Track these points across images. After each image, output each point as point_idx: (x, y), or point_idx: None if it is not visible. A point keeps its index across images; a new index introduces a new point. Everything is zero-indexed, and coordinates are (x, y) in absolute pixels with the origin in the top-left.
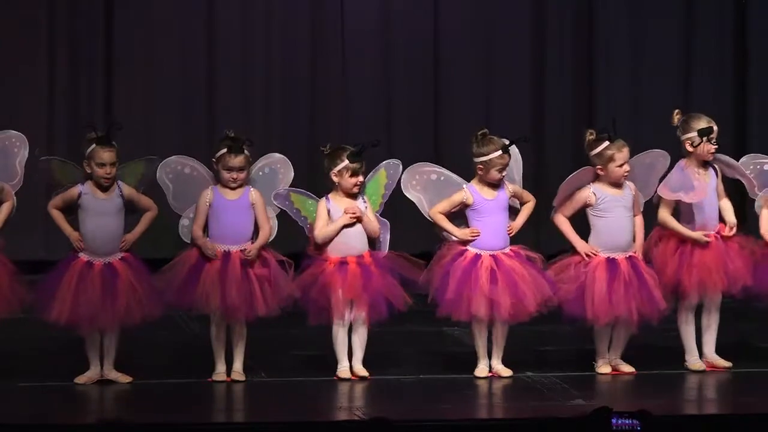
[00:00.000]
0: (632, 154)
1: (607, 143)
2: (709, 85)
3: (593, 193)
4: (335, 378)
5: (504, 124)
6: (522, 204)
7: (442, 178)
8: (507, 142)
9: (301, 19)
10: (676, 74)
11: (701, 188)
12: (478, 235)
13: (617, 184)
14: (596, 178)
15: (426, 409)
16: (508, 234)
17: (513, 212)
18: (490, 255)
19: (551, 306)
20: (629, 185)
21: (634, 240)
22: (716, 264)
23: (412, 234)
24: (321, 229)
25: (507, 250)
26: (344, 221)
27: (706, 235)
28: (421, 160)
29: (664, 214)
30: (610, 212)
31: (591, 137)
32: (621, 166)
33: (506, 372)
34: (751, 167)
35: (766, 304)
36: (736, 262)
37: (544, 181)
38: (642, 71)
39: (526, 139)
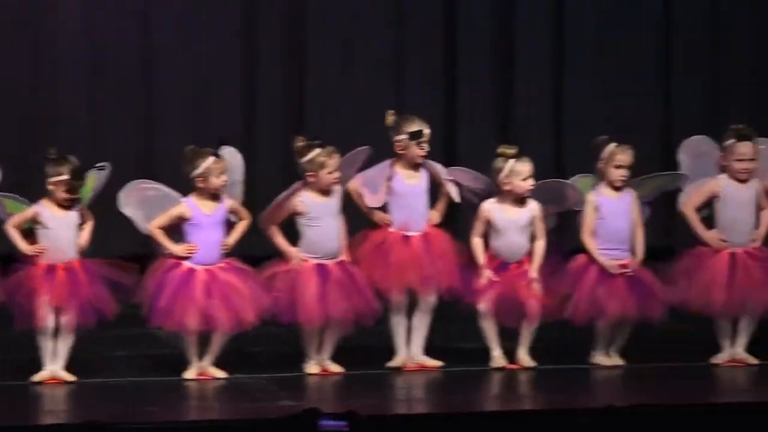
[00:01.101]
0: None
1: (318, 150)
2: (420, 86)
3: (303, 202)
4: (38, 382)
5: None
6: (239, 220)
7: (159, 193)
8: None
9: None
10: (387, 74)
11: (382, 195)
12: (195, 252)
13: (326, 191)
14: (306, 185)
15: (136, 411)
16: (223, 250)
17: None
18: (204, 269)
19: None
20: (338, 189)
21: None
22: (412, 263)
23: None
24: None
25: (221, 264)
26: None
27: (387, 220)
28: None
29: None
30: (319, 220)
31: (301, 144)
32: (332, 172)
33: (220, 374)
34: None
35: (467, 305)
36: (437, 262)
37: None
38: (353, 71)
39: (235, 139)
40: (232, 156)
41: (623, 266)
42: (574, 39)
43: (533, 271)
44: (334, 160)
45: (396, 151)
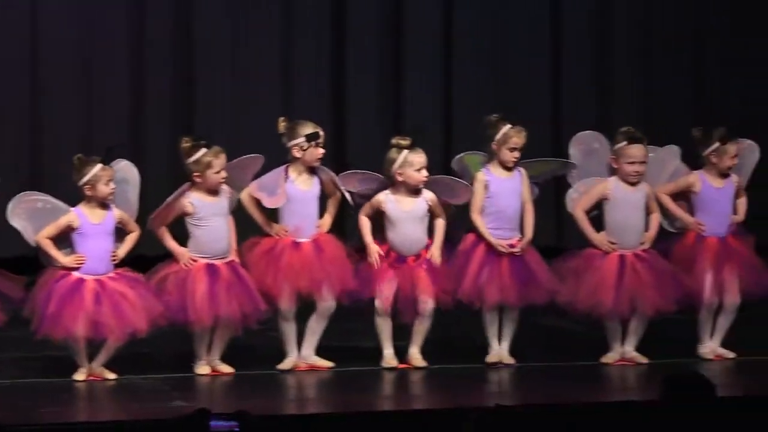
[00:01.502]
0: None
1: (204, 150)
2: (309, 91)
3: (191, 203)
4: None
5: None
6: (128, 233)
7: (48, 205)
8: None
9: None
10: (278, 79)
11: (281, 197)
12: (83, 263)
13: (214, 191)
14: (193, 186)
15: (26, 413)
16: (112, 261)
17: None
18: (94, 279)
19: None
20: (226, 189)
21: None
22: (303, 268)
23: None
24: None
25: (111, 274)
26: None
27: (284, 232)
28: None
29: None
30: (208, 220)
31: (187, 145)
32: (218, 172)
33: (110, 375)
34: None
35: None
36: (328, 268)
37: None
38: (243, 75)
39: (124, 146)
40: (127, 169)
41: (511, 246)
42: (462, 28)
43: (435, 248)
44: (220, 160)
45: (293, 155)
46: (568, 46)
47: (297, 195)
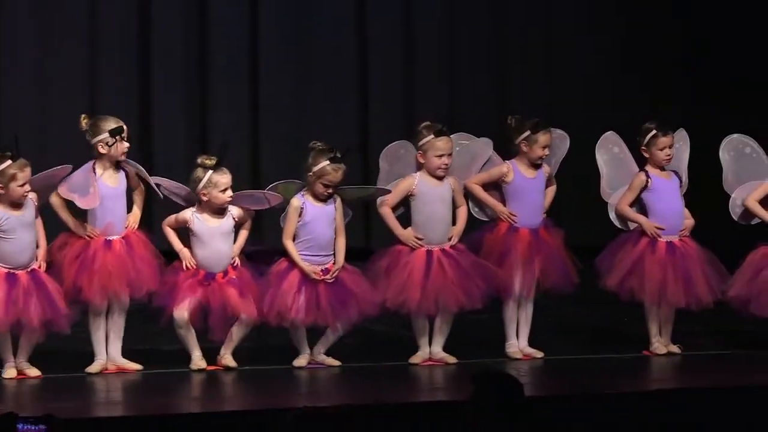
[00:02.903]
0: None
1: (9, 162)
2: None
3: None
4: None
5: None
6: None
7: None
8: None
9: None
10: (82, 78)
11: (95, 195)
12: None
13: (18, 204)
14: None
15: None
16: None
17: None
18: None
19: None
20: (33, 196)
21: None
22: (117, 268)
23: None
24: None
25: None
26: None
27: (96, 233)
28: None
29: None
30: (13, 233)
31: None
32: (23, 185)
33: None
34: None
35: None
36: (138, 266)
37: None
38: (46, 77)
39: None
40: None
41: (324, 272)
42: (269, 42)
43: (237, 247)
44: (25, 173)
45: (98, 152)
46: (373, 54)
47: (106, 192)
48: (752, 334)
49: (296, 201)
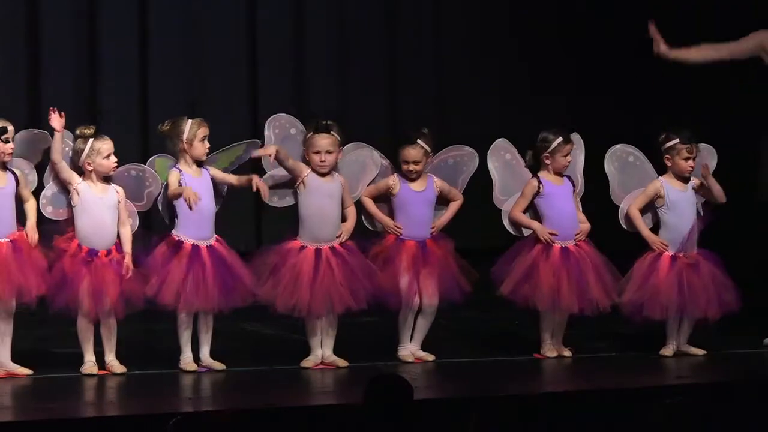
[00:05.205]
0: None
1: None
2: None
3: None
4: None
5: None
6: None
7: None
8: None
9: None
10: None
11: None
12: None
13: None
14: None
15: None
16: None
17: None
18: None
19: None
20: None
21: None
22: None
23: None
24: None
25: None
26: None
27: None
28: None
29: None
30: None
31: None
32: None
33: None
34: None
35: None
36: (25, 269)
37: None
38: None
39: None
40: None
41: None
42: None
43: (128, 257)
44: None
45: None
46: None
47: None
48: (639, 338)
49: (175, 173)
